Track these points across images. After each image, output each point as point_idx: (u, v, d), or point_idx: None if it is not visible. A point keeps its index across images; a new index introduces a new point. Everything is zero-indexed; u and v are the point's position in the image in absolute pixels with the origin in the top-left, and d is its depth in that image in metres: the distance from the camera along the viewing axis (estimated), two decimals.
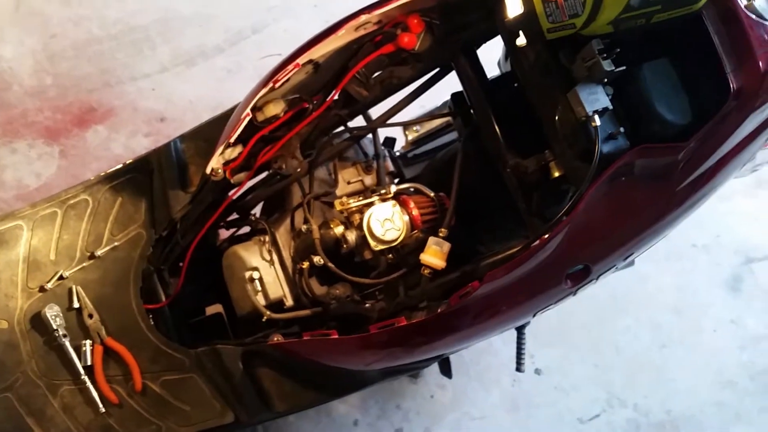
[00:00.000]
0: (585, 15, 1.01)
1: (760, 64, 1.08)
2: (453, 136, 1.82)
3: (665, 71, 1.15)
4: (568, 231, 1.10)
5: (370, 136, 1.62)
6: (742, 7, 1.10)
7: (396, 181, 1.68)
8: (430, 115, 1.73)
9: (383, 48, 1.37)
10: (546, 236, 1.11)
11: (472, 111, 1.40)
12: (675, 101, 1.13)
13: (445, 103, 1.79)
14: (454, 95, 1.48)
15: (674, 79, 1.15)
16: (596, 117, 1.08)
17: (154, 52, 2.56)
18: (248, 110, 1.36)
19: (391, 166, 1.69)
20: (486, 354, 2.23)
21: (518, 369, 1.52)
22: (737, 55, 1.09)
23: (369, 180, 1.61)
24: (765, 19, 1.11)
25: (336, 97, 1.47)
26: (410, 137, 1.90)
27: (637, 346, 2.36)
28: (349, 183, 1.58)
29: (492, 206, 1.47)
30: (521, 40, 1.14)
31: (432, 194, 1.45)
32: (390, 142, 1.75)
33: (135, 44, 2.56)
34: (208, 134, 1.56)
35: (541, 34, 1.08)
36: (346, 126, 1.53)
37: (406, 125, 1.83)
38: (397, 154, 1.81)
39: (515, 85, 1.34)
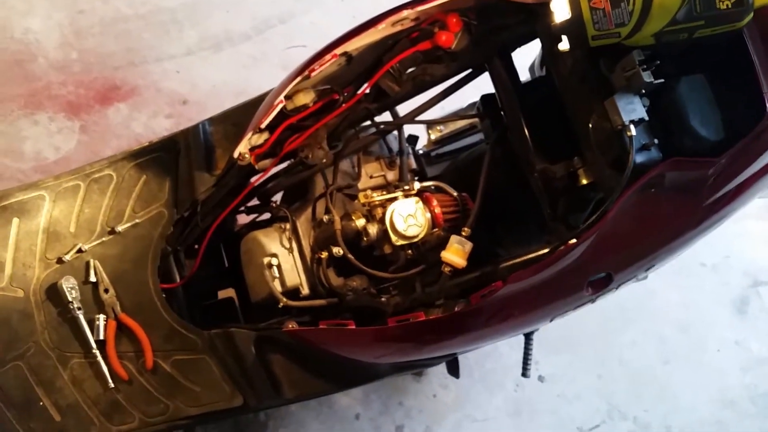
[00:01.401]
0: (631, 25, 1.02)
1: None
2: (476, 138, 1.82)
3: (702, 86, 1.15)
4: (595, 239, 1.11)
5: (394, 132, 1.62)
6: None
7: (417, 178, 1.68)
8: (458, 116, 1.73)
9: (420, 44, 1.37)
10: (570, 244, 1.11)
11: (502, 113, 1.40)
12: (709, 117, 1.14)
13: (471, 105, 1.79)
14: (485, 97, 1.49)
15: (710, 95, 1.16)
16: (632, 126, 1.08)
17: (180, 34, 2.57)
18: (281, 97, 1.36)
19: (413, 164, 1.70)
20: (491, 357, 2.23)
21: (524, 374, 1.53)
22: None
23: (391, 176, 1.61)
24: None
25: (367, 90, 1.47)
26: (433, 137, 1.91)
27: (641, 359, 2.36)
28: (371, 177, 1.59)
29: (514, 210, 1.48)
30: (563, 45, 1.14)
31: (455, 193, 1.45)
32: (413, 139, 1.75)
33: (162, 25, 2.57)
34: (237, 119, 1.56)
35: (585, 41, 1.09)
36: (373, 120, 1.54)
37: (432, 123, 1.83)
38: (420, 152, 1.81)
39: (546, 90, 1.34)
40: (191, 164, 1.52)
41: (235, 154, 1.42)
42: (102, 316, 1.47)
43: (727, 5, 1.03)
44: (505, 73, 1.36)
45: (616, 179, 1.12)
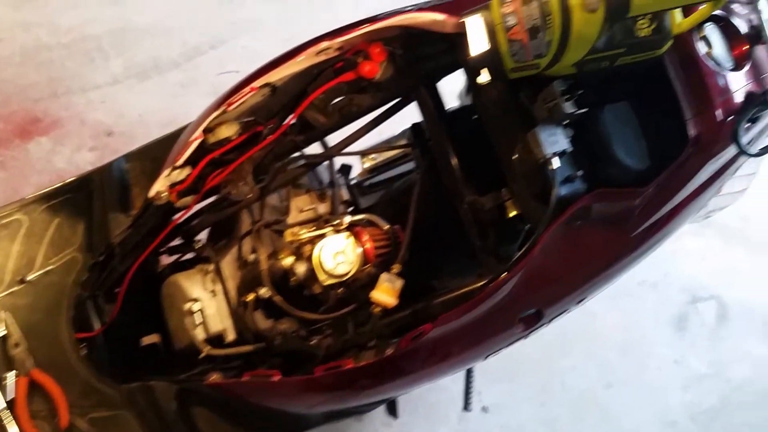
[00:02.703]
0: (550, 56, 0.99)
1: (718, 112, 1.08)
2: (411, 165, 1.78)
3: (626, 114, 1.14)
4: (522, 275, 1.07)
5: (326, 162, 1.57)
6: (702, 54, 1.10)
7: (350, 209, 1.63)
8: (388, 146, 1.70)
9: (343, 75, 1.33)
10: (499, 280, 1.08)
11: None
12: (634, 145, 1.12)
13: (404, 132, 1.76)
14: (415, 126, 1.45)
15: (634, 123, 1.14)
16: (554, 160, 1.05)
17: (106, 63, 2.47)
18: (199, 132, 1.30)
19: (346, 195, 1.65)
20: (433, 390, 2.17)
21: (466, 408, 1.48)
22: (696, 102, 1.09)
23: (323, 208, 1.55)
24: (723, 68, 1.11)
25: (292, 122, 1.42)
26: (367, 165, 1.86)
27: (583, 384, 2.34)
28: (302, 211, 1.53)
29: (447, 240, 1.44)
30: (483, 78, 1.11)
31: (386, 227, 1.41)
32: (346, 169, 1.71)
33: (87, 54, 2.47)
34: (156, 154, 1.49)
35: (504, 73, 1.06)
36: (301, 152, 1.48)
37: (362, 154, 1.79)
38: (353, 182, 1.76)
39: (475, 119, 1.32)
40: (105, 205, 1.44)
41: (151, 194, 1.34)
42: (12, 373, 1.36)
43: (646, 33, 1.02)
44: (430, 103, 1.33)
45: (541, 211, 1.09)
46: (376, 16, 1.27)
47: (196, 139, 1.28)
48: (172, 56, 2.51)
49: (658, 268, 2.54)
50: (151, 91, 2.43)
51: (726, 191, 1.37)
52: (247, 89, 1.24)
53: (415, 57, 1.33)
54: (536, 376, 2.30)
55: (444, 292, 1.31)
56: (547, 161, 1.05)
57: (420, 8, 1.21)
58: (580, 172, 1.08)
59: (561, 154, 1.07)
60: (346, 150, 1.44)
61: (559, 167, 1.06)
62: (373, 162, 1.84)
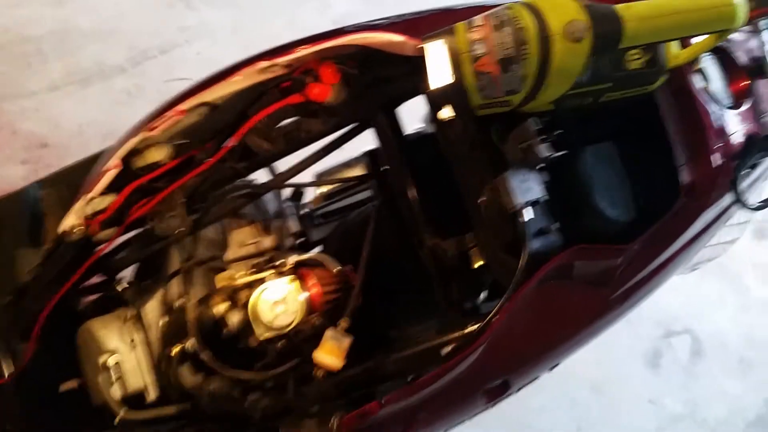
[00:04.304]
0: (524, 92, 0.83)
1: (715, 157, 0.94)
2: (370, 192, 1.61)
3: (609, 157, 0.99)
4: (488, 343, 0.91)
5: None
6: (697, 89, 0.96)
7: (298, 242, 1.46)
8: (341, 179, 1.53)
9: (290, 98, 1.16)
10: (458, 357, 0.92)
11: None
12: (618, 193, 0.98)
13: (364, 155, 1.59)
14: (371, 153, 1.29)
15: (618, 167, 1.00)
16: (526, 210, 0.90)
17: (44, 66, 2.27)
18: (117, 161, 1.12)
19: (295, 226, 1.47)
20: None
21: None
22: (691, 145, 0.95)
23: (268, 242, 1.36)
24: (721, 105, 0.97)
25: (232, 146, 1.25)
26: (322, 190, 1.69)
27: (554, 427, 2.21)
28: (242, 246, 1.35)
29: (405, 283, 1.28)
30: (446, 113, 0.95)
31: (336, 269, 1.24)
32: (297, 195, 1.54)
33: (23, 57, 2.27)
34: (74, 179, 1.29)
35: (470, 109, 0.90)
36: (243, 180, 1.31)
37: (311, 185, 1.60)
38: (306, 211, 1.58)
39: (439, 149, 1.16)
40: (15, 237, 1.24)
41: (62, 228, 1.16)
42: None
43: (638, 65, 0.88)
44: (389, 131, 1.17)
45: (510, 265, 0.93)
46: (328, 32, 1.11)
47: (112, 168, 1.10)
48: (117, 61, 2.32)
49: None
50: (92, 98, 2.24)
51: (716, 241, 1.24)
52: (171, 113, 1.06)
53: (372, 79, 1.16)
54: (503, 419, 2.15)
55: (400, 346, 1.15)
56: (519, 212, 0.90)
57: (377, 27, 1.05)
58: (555, 225, 0.93)
59: (534, 203, 0.91)
60: (293, 181, 1.28)
61: (531, 219, 0.90)
62: (329, 187, 1.66)
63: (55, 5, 2.35)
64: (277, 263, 1.20)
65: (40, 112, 2.17)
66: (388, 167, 1.21)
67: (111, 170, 1.11)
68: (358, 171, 1.58)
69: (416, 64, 1.04)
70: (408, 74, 1.12)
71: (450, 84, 0.87)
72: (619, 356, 2.35)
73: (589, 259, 0.93)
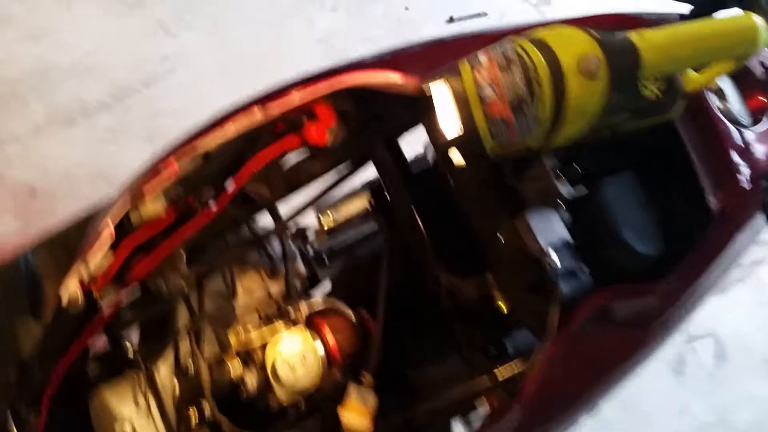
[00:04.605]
0: (540, 133, 0.78)
1: (742, 179, 0.90)
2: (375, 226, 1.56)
3: (631, 187, 0.94)
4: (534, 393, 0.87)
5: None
6: (716, 111, 0.91)
7: (308, 286, 1.40)
8: (348, 219, 1.47)
9: (287, 142, 1.11)
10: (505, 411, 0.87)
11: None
12: (644, 225, 0.93)
13: (365, 186, 1.54)
14: (373, 188, 1.25)
15: (640, 196, 0.95)
16: (553, 254, 0.85)
17: (24, 109, 2.20)
18: (110, 226, 1.07)
19: (302, 268, 1.42)
20: None
21: None
22: (716, 170, 0.90)
23: (275, 287, 1.31)
24: (742, 125, 0.92)
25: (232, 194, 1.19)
26: (325, 224, 1.63)
27: None
28: (252, 294, 1.30)
29: (422, 322, 1.23)
30: (457, 159, 0.90)
31: (352, 316, 1.19)
32: (300, 233, 1.48)
33: (2, 100, 2.19)
34: (69, 241, 1.24)
35: (482, 152, 0.84)
36: (248, 225, 1.27)
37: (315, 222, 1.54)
38: (312, 249, 1.53)
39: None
40: (11, 311, 1.19)
41: (65, 300, 1.10)
42: None
43: (654, 93, 0.83)
44: (391, 164, 1.12)
45: (536, 307, 0.88)
46: (322, 73, 1.06)
47: (104, 233, 1.05)
48: (99, 97, 2.25)
49: None
50: (77, 139, 2.17)
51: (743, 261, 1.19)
52: (165, 173, 1.02)
53: (371, 115, 1.11)
54: None
55: (426, 393, 1.11)
56: (545, 257, 0.85)
57: (372, 64, 1.00)
58: (585, 269, 0.88)
59: (559, 246, 0.86)
60: (296, 221, 1.24)
61: (558, 262, 0.85)
62: (333, 222, 1.60)
63: (30, 42, 2.28)
64: (290, 314, 1.16)
65: (25, 157, 2.10)
66: (392, 203, 1.17)
67: (106, 233, 1.05)
68: (360, 203, 1.53)
69: (414, 98, 0.99)
70: (406, 107, 1.07)
71: (462, 135, 0.81)
72: (644, 367, 2.30)
73: (627, 299, 0.88)
